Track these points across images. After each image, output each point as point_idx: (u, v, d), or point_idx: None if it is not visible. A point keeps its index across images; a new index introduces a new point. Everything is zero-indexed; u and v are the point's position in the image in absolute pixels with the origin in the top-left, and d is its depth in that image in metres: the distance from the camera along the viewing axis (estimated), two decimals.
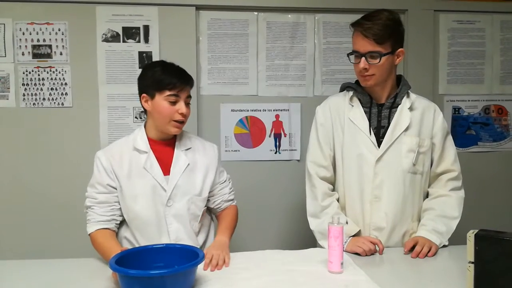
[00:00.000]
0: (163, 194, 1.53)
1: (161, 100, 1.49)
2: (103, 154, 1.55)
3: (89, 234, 1.52)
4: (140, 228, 1.53)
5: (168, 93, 1.49)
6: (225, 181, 1.70)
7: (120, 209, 1.55)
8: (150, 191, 1.52)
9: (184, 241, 1.53)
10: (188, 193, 1.56)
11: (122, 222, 1.58)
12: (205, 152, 1.64)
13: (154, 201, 1.52)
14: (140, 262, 1.21)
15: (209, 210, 1.71)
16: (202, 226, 1.63)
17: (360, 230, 1.62)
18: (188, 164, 1.57)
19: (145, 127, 1.60)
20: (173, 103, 1.50)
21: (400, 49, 1.57)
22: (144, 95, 1.54)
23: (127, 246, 1.53)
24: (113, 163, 1.53)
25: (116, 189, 1.53)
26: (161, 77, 1.49)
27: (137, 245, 1.53)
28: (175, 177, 1.54)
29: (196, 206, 1.58)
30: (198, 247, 1.55)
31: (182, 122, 1.53)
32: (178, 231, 1.54)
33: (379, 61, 1.52)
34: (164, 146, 1.57)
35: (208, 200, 1.65)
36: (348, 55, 1.60)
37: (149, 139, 1.57)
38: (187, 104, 1.54)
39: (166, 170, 1.54)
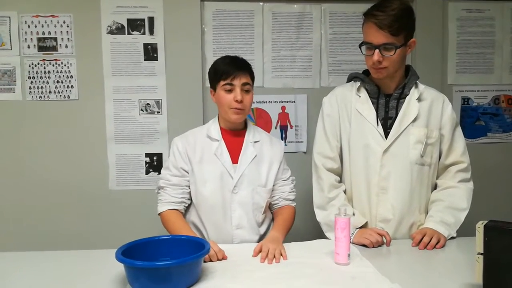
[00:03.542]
0: (230, 181, 1.61)
1: (220, 91, 1.60)
2: (180, 139, 1.67)
3: (159, 214, 1.62)
4: (207, 212, 1.62)
5: (223, 82, 1.58)
6: (287, 179, 1.74)
7: (189, 192, 1.64)
8: (218, 177, 1.61)
9: (245, 228, 1.61)
10: (253, 183, 1.63)
11: (190, 208, 1.67)
12: (272, 146, 1.71)
13: (221, 186, 1.61)
14: (147, 254, 1.22)
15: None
16: (265, 218, 1.69)
17: (367, 222, 1.61)
18: (256, 156, 1.65)
19: (218, 118, 1.70)
20: (229, 91, 1.58)
21: (412, 40, 1.54)
22: (211, 89, 1.66)
23: (194, 231, 1.60)
24: (187, 148, 1.64)
25: (188, 172, 1.63)
26: (216, 69, 1.61)
27: (203, 230, 1.63)
28: (242, 166, 1.62)
29: (260, 197, 1.64)
30: (259, 236, 1.65)
31: (240, 109, 1.58)
32: (240, 218, 1.61)
33: (394, 53, 1.49)
34: (235, 136, 1.67)
35: None
36: (359, 46, 1.57)
37: (221, 129, 1.67)
38: (246, 91, 1.60)
39: (234, 159, 1.63)
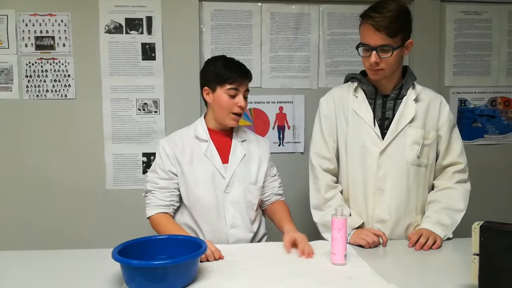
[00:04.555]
0: (221, 181, 1.61)
1: (222, 93, 1.59)
2: (166, 141, 1.65)
3: (148, 217, 1.61)
4: (201, 213, 1.61)
5: (228, 86, 1.58)
6: (275, 175, 1.77)
7: (178, 195, 1.63)
8: (210, 177, 1.61)
9: (239, 227, 1.62)
10: (244, 181, 1.64)
11: (181, 210, 1.65)
12: (259, 144, 1.74)
13: (213, 187, 1.61)
14: (143, 253, 1.21)
15: None
16: (257, 215, 1.70)
17: (363, 223, 1.61)
18: (245, 155, 1.66)
19: (205, 117, 1.69)
20: (233, 96, 1.59)
21: (409, 41, 1.54)
22: (206, 88, 1.64)
23: (188, 232, 1.59)
24: (175, 150, 1.63)
25: (176, 175, 1.62)
26: (222, 72, 1.59)
27: (197, 230, 1.62)
28: (233, 165, 1.63)
29: (252, 195, 1.66)
30: (252, 234, 1.66)
31: (239, 115, 1.62)
32: (234, 217, 1.62)
33: (391, 55, 1.49)
34: (222, 136, 1.67)
35: None
36: (357, 47, 1.57)
37: (209, 129, 1.66)
38: (245, 98, 1.63)
39: (224, 159, 1.64)
